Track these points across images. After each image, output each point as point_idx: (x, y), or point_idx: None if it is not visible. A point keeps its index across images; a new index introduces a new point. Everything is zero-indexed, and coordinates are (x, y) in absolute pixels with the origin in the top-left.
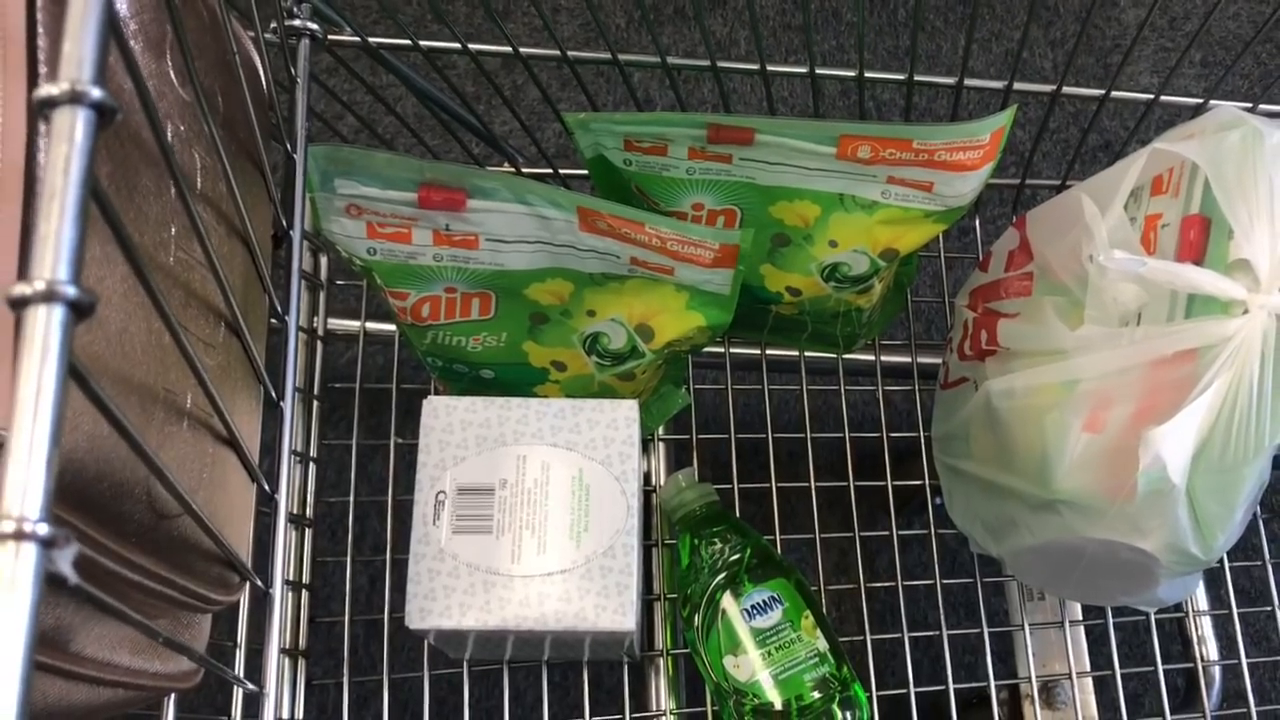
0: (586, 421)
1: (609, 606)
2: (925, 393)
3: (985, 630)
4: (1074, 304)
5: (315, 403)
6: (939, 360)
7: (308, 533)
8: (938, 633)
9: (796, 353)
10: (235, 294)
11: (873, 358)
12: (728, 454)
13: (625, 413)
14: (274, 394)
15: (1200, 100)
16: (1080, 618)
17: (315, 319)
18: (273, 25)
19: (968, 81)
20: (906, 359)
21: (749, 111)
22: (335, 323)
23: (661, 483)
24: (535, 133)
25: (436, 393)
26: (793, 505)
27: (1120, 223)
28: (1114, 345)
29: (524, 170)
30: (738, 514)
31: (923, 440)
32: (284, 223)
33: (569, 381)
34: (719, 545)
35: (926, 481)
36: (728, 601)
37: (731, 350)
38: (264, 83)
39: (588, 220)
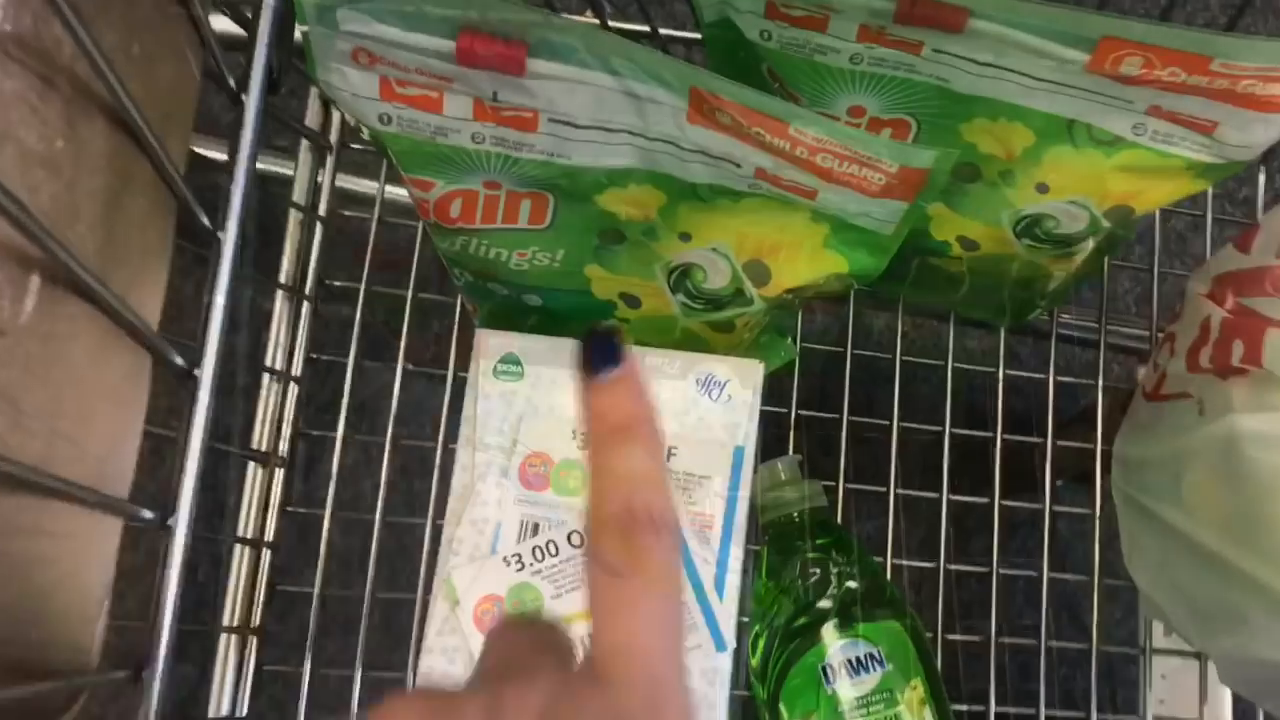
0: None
1: None
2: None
3: (1094, 647)
4: None
5: (306, 304)
6: (1133, 336)
7: (278, 474)
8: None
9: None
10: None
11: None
12: (830, 435)
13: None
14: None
15: None
16: None
17: (319, 190)
18: None
19: None
20: (1089, 324)
21: None
22: (347, 182)
23: None
24: None
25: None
26: (918, 511)
27: None
28: None
29: (610, 25)
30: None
31: (1099, 454)
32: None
33: (641, 322)
34: (816, 570)
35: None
36: (814, 644)
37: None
38: None
39: (703, 108)
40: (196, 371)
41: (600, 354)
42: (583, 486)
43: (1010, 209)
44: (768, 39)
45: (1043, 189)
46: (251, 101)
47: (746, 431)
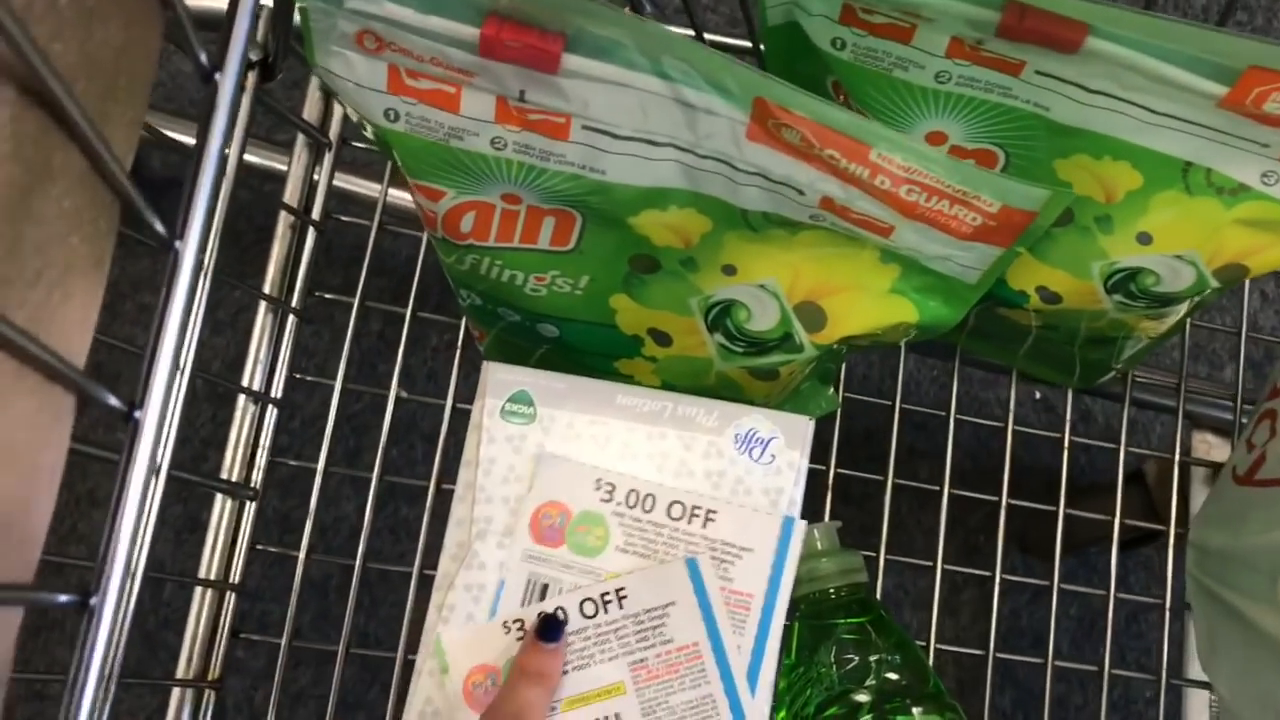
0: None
1: None
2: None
3: None
4: None
5: (293, 317)
6: (1216, 405)
7: (248, 507)
8: None
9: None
10: None
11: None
12: (872, 493)
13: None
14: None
15: None
16: None
17: (314, 191)
18: None
19: None
20: (1166, 382)
21: None
22: (346, 181)
23: None
24: None
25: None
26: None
27: None
28: None
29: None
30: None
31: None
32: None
33: (671, 363)
34: (853, 655)
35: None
36: None
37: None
38: None
39: (767, 123)
40: (138, 414)
41: (551, 629)
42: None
43: (1103, 260)
44: (840, 48)
45: (1145, 239)
46: (226, 83)
47: (792, 498)
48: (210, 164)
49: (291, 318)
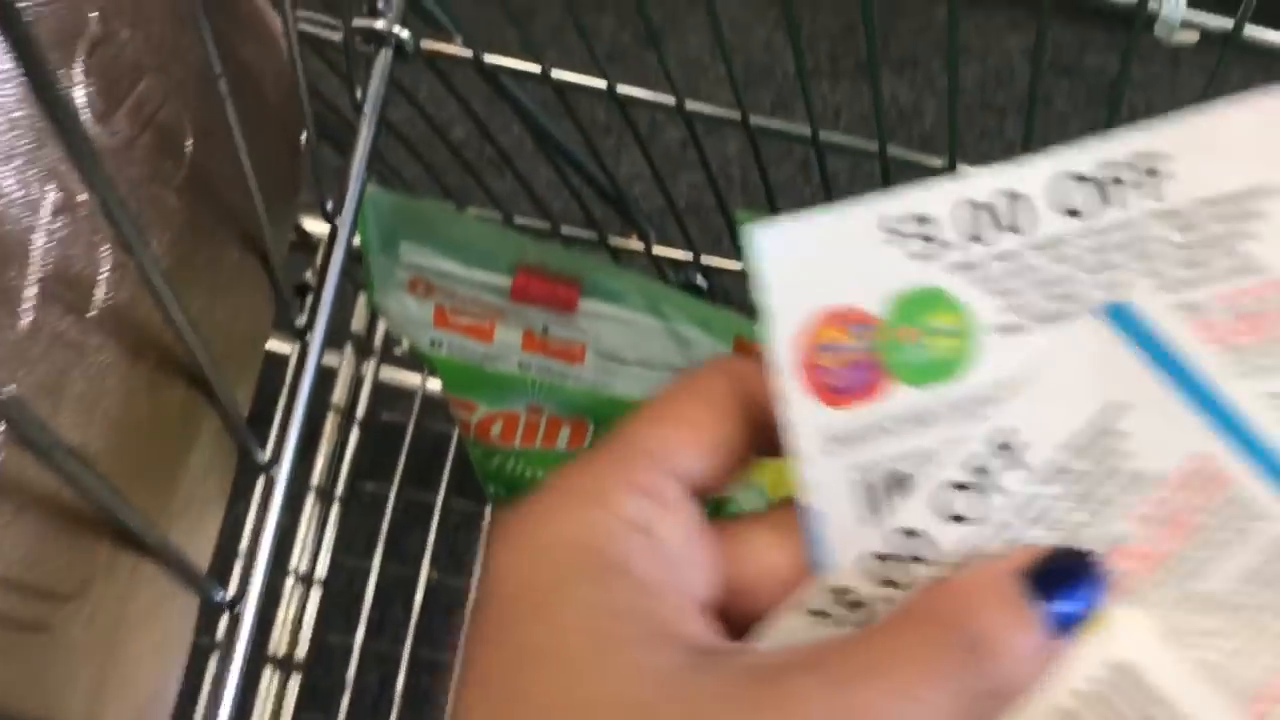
0: None
1: None
2: None
3: None
4: None
5: (337, 505)
6: None
7: (314, 595)
8: None
9: None
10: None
11: None
12: None
13: None
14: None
15: None
16: None
17: (360, 387)
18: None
19: None
20: None
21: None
22: (388, 374)
23: None
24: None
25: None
26: None
27: None
28: None
29: (655, 251)
30: None
31: None
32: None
33: None
34: None
35: None
36: None
37: None
38: (302, 99)
39: (746, 354)
40: (238, 609)
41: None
42: None
43: None
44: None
45: None
46: (344, 228)
47: None
48: (302, 401)
49: (336, 506)
